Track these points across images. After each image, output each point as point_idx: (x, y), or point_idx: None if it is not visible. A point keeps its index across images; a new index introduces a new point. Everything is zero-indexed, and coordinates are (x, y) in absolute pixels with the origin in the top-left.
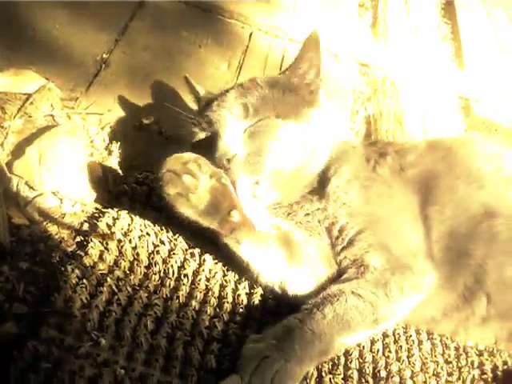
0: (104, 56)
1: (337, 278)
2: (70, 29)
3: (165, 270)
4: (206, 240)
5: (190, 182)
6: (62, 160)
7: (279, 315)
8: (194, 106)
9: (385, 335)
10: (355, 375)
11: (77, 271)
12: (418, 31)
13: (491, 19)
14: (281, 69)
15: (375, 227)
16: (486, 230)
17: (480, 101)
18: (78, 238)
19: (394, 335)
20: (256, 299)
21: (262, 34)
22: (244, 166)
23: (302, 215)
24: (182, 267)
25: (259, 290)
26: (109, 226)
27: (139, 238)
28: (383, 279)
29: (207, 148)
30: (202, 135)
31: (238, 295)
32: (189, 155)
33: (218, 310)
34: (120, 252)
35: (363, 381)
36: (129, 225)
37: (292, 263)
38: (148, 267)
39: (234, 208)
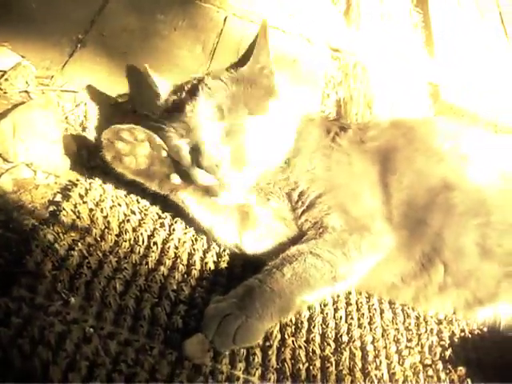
0: (80, 36)
1: (298, 241)
2: (46, 8)
3: (135, 237)
4: (177, 213)
5: (121, 147)
6: (36, 132)
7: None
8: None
9: (348, 304)
10: (317, 339)
11: (49, 236)
12: (390, 19)
13: (461, 8)
14: None
15: (335, 191)
16: (444, 202)
17: (448, 87)
18: (51, 208)
19: (356, 304)
20: (223, 266)
21: (237, 18)
22: (231, 166)
23: (263, 184)
24: (151, 236)
25: (226, 259)
26: (81, 196)
27: (110, 207)
28: (341, 239)
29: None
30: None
31: (206, 263)
32: (123, 126)
33: (185, 275)
34: (91, 220)
35: (325, 344)
36: (100, 195)
37: (245, 224)
38: (118, 235)
39: (172, 171)
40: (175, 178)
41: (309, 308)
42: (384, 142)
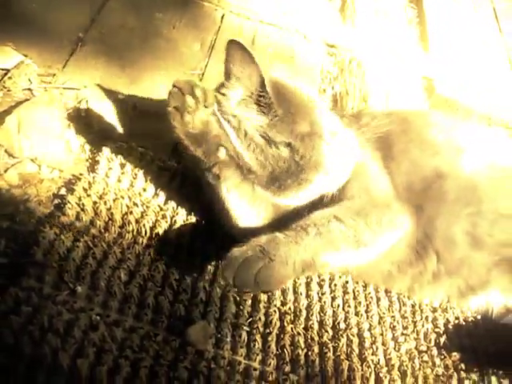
0: (80, 35)
1: None
2: (47, 7)
3: (138, 229)
4: (179, 203)
5: (189, 103)
6: (40, 128)
7: None
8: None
9: (345, 292)
10: (316, 326)
11: (55, 228)
12: (385, 15)
13: (455, 4)
14: (251, 48)
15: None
16: (436, 190)
17: (442, 81)
18: (56, 201)
19: (353, 292)
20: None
21: (234, 15)
22: None
23: None
24: (154, 227)
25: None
26: (85, 190)
27: (114, 200)
28: (364, 210)
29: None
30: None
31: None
32: (200, 83)
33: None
34: (95, 213)
35: (323, 331)
36: (104, 188)
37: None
38: (122, 227)
39: (222, 146)
40: (222, 152)
41: (307, 296)
42: (377, 129)
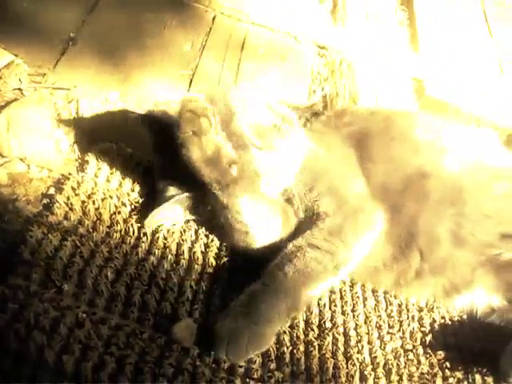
0: (71, 35)
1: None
2: (38, 7)
3: (125, 229)
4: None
5: (206, 125)
6: (30, 128)
7: (233, 271)
8: None
9: (332, 291)
10: (301, 324)
11: (43, 227)
12: (375, 17)
13: (446, 7)
14: (242, 50)
15: (321, 176)
16: (419, 189)
17: (432, 83)
18: (45, 201)
19: (340, 292)
20: (210, 257)
21: (225, 17)
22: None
23: None
24: (141, 227)
25: (214, 249)
26: (73, 189)
27: (102, 200)
28: (336, 225)
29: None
30: None
31: (194, 252)
32: (204, 102)
33: (174, 265)
34: (84, 212)
35: (309, 329)
36: (92, 188)
37: (286, 227)
38: (110, 226)
39: (234, 163)
40: (234, 169)
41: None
42: (360, 128)
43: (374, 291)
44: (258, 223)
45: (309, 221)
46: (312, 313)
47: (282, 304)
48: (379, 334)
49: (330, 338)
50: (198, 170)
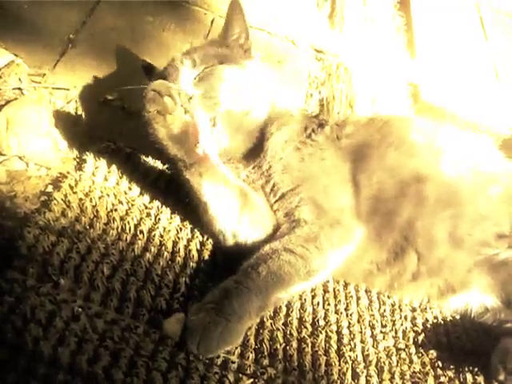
0: (71, 36)
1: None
2: (38, 9)
3: (122, 226)
4: (163, 202)
5: (169, 103)
6: (29, 127)
7: (227, 269)
8: None
9: (325, 291)
10: (295, 322)
11: (40, 223)
12: (373, 23)
13: (443, 13)
14: None
15: (306, 184)
16: (415, 194)
17: (428, 87)
18: (43, 198)
19: (334, 291)
20: (206, 254)
21: (224, 20)
22: (201, 103)
23: (243, 175)
24: (138, 224)
25: (209, 247)
26: (71, 187)
27: (99, 198)
28: (313, 233)
29: None
30: None
31: (189, 250)
32: (173, 84)
33: (170, 262)
34: (81, 210)
35: (302, 327)
36: (90, 186)
37: (245, 211)
38: (106, 224)
39: (200, 142)
40: (200, 148)
41: None
42: (359, 139)
43: (367, 291)
44: (217, 203)
45: (288, 226)
46: (306, 311)
47: (253, 303)
48: (372, 332)
49: (323, 336)
50: (165, 147)
